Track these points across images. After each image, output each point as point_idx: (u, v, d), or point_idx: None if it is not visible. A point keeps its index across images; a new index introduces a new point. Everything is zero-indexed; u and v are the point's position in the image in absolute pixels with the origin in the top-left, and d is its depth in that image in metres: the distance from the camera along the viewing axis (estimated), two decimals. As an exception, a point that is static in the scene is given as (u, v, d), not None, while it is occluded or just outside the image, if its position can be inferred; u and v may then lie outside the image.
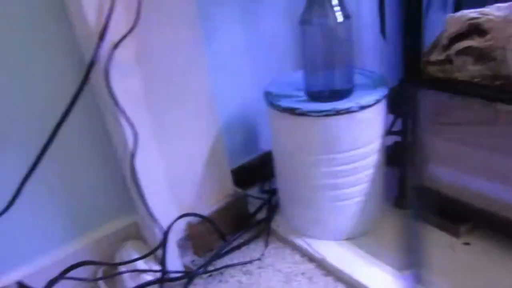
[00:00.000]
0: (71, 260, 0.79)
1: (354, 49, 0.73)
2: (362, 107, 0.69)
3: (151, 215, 0.70)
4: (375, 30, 1.11)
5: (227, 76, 0.94)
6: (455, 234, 0.78)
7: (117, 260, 0.80)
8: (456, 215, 0.79)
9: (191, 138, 0.79)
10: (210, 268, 0.81)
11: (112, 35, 0.61)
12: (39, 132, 0.66)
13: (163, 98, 0.73)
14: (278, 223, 0.88)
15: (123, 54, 0.63)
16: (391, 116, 0.85)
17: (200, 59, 0.77)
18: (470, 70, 0.70)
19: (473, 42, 0.69)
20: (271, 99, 0.76)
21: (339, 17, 0.67)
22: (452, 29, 0.72)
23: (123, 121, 0.64)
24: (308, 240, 0.81)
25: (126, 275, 0.74)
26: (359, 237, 0.81)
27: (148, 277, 0.74)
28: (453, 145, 0.78)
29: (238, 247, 0.85)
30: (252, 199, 0.95)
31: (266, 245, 0.85)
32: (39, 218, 0.74)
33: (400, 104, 0.80)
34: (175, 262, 0.78)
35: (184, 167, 0.80)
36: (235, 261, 0.82)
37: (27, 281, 0.71)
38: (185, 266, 0.82)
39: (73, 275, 0.71)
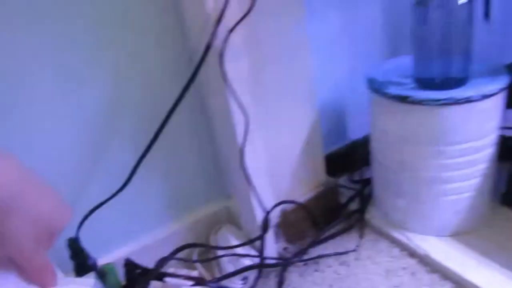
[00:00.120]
0: (171, 240, 0.81)
1: (474, 33, 0.68)
2: (484, 96, 0.64)
3: (259, 201, 0.70)
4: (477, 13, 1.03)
5: (321, 61, 0.91)
6: None
7: (213, 243, 0.81)
8: None
9: (290, 125, 0.78)
10: (305, 256, 0.80)
11: (228, 21, 0.60)
12: (150, 121, 0.68)
13: (265, 84, 0.72)
14: (372, 215, 0.85)
15: (236, 39, 0.62)
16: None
17: (302, 45, 0.75)
18: None
19: None
20: (376, 86, 0.73)
21: (463, -2, 0.63)
22: None
23: (234, 105, 0.63)
24: (408, 234, 0.78)
25: (225, 259, 0.75)
26: (463, 234, 0.76)
27: (247, 261, 0.74)
28: None
29: (331, 236, 0.84)
30: (342, 189, 0.92)
31: (361, 236, 0.83)
32: (144, 200, 0.77)
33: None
34: (271, 248, 0.78)
35: (281, 154, 0.79)
36: (330, 251, 0.80)
37: (131, 257, 0.73)
38: (278, 253, 0.81)
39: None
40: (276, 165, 0.79)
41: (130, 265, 0.70)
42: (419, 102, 0.66)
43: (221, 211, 0.86)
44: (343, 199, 0.91)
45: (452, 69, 0.68)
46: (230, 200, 0.86)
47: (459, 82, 0.68)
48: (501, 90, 0.65)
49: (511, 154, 0.81)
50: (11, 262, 0.34)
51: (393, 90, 0.69)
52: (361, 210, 0.87)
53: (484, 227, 0.77)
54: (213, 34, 0.59)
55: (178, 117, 0.72)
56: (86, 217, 0.65)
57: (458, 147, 0.68)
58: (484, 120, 0.67)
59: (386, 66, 0.80)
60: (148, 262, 0.76)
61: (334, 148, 0.99)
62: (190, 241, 0.84)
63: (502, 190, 0.82)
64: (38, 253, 0.34)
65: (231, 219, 0.87)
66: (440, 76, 0.68)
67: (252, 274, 0.75)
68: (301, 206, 0.82)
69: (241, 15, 0.61)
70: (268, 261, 0.76)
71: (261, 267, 0.74)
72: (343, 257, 0.79)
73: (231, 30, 0.60)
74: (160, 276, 0.65)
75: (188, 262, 0.79)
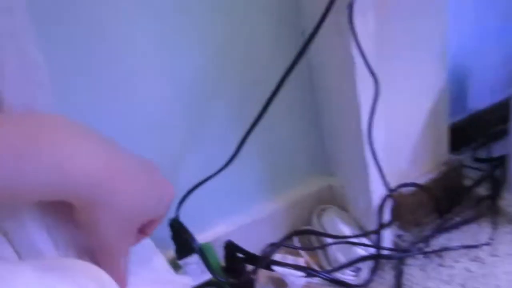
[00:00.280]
0: (269, 220, 0.74)
1: None
2: None
3: (383, 182, 0.59)
4: None
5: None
6: None
7: (317, 226, 0.72)
8: None
9: (414, 92, 0.65)
10: (425, 247, 0.68)
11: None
12: (252, 93, 0.60)
13: (393, 42, 0.59)
14: (508, 202, 0.71)
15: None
16: None
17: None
18: None
19: None
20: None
21: None
22: None
23: (360, 66, 0.52)
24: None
25: (334, 247, 0.66)
26: None
27: (360, 251, 0.64)
28: None
29: (456, 225, 0.71)
30: (465, 169, 0.78)
31: (494, 227, 0.69)
32: (242, 177, 0.69)
33: None
34: (385, 236, 0.67)
35: (401, 126, 0.67)
36: (456, 243, 0.68)
37: (227, 238, 0.66)
38: (392, 242, 0.71)
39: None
40: (393, 140, 0.67)
41: (231, 247, 0.63)
42: None
43: (323, 190, 0.76)
44: (467, 181, 0.77)
45: None
46: (333, 178, 0.76)
47: None
48: None
49: None
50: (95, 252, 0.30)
51: None
52: (493, 196, 0.73)
53: None
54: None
55: (286, 90, 0.62)
56: (188, 194, 0.59)
57: None
58: None
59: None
60: (245, 243, 0.69)
61: (454, 120, 0.84)
62: (289, 222, 0.76)
63: None
64: (121, 252, 0.31)
65: (334, 199, 0.77)
66: None
67: (364, 265, 0.65)
68: (420, 189, 0.70)
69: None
70: (383, 252, 0.66)
71: (378, 258, 0.64)
72: (474, 252, 0.66)
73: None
74: (267, 264, 0.57)
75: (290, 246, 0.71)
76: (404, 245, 0.70)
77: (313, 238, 0.72)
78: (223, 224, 0.71)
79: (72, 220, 0.28)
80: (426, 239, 0.69)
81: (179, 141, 0.61)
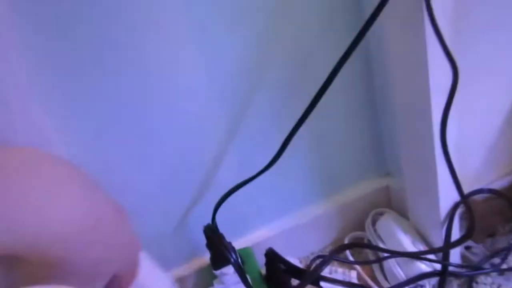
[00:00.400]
0: (315, 226, 0.66)
1: None
2: None
3: (457, 186, 0.50)
4: None
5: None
6: None
7: (371, 233, 0.63)
8: None
9: (496, 84, 0.55)
10: (498, 262, 0.58)
11: None
12: (299, 84, 0.53)
13: (473, 27, 0.49)
14: None
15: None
16: None
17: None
18: None
19: None
20: None
21: None
22: None
23: (436, 53, 0.43)
24: None
25: (392, 260, 0.57)
26: None
27: (423, 266, 0.55)
28: None
29: (538, 239, 0.60)
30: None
31: None
32: (285, 178, 0.61)
33: None
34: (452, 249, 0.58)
35: (478, 124, 0.57)
36: (538, 260, 0.58)
37: (269, 243, 0.60)
38: (461, 255, 0.61)
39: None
40: (467, 138, 0.57)
41: (271, 256, 0.56)
42: None
43: (379, 192, 0.67)
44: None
45: None
46: (391, 179, 0.67)
47: None
48: None
49: None
50: None
51: None
52: None
53: None
54: None
55: (332, 86, 0.54)
56: (226, 197, 0.52)
57: None
58: None
59: None
60: (288, 249, 0.62)
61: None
62: (339, 227, 0.68)
63: None
64: None
65: (391, 203, 0.68)
66: None
67: (428, 283, 0.56)
68: (496, 195, 0.60)
69: None
70: (451, 268, 0.56)
71: (444, 275, 0.55)
72: None
73: None
74: (315, 280, 0.50)
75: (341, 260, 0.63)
76: (475, 259, 0.60)
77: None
78: (264, 229, 0.64)
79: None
80: (501, 253, 0.59)
81: (218, 140, 0.54)
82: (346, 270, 0.56)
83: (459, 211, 0.56)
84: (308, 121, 0.48)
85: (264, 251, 0.57)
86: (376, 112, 0.61)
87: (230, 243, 0.53)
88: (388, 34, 0.49)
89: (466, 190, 0.54)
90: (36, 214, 0.19)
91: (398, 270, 0.56)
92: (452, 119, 0.48)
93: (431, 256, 0.56)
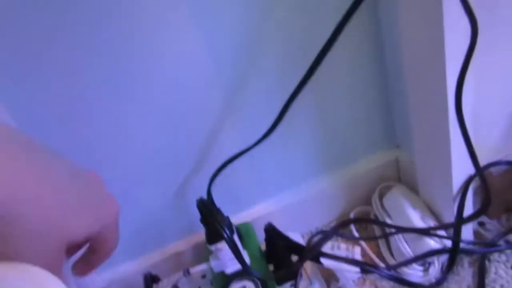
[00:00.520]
0: (319, 200, 0.63)
1: None
2: None
3: (473, 158, 0.45)
4: None
5: None
6: None
7: (378, 208, 0.60)
8: None
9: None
10: (514, 240, 0.55)
11: None
12: (300, 51, 0.48)
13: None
14: None
15: None
16: None
17: None
18: None
19: None
20: None
21: None
22: None
23: (452, 4, 0.38)
24: None
25: (399, 236, 0.54)
26: None
27: (432, 243, 0.52)
28: None
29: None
30: None
31: None
32: (287, 150, 0.58)
33: None
34: (466, 226, 0.54)
35: (496, 90, 0.52)
36: (559, 238, 0.54)
37: (270, 218, 0.57)
38: (474, 231, 0.57)
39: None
40: (484, 107, 0.52)
41: (270, 231, 0.53)
42: None
43: (387, 165, 0.64)
44: None
45: None
46: (400, 151, 0.63)
47: None
48: None
49: None
50: None
51: None
52: None
53: None
54: None
55: (337, 47, 0.49)
56: (222, 168, 0.49)
57: None
58: None
59: None
60: (290, 225, 0.59)
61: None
62: (344, 201, 0.65)
63: None
64: None
65: (399, 177, 0.64)
66: None
67: (437, 260, 0.53)
68: (514, 168, 0.55)
69: None
70: (462, 245, 0.53)
71: (454, 252, 0.51)
72: None
73: None
74: (315, 256, 0.47)
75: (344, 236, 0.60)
76: (488, 236, 0.56)
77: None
78: (266, 203, 0.61)
79: None
80: (516, 230, 0.55)
81: (219, 108, 0.50)
82: (350, 246, 0.53)
83: (473, 185, 0.52)
84: (313, 86, 0.44)
85: (263, 228, 0.55)
86: (385, 78, 0.56)
87: (227, 218, 0.50)
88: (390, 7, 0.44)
89: (482, 162, 0.49)
90: None
91: (405, 246, 0.53)
92: (469, 84, 0.43)
93: (441, 232, 0.53)
